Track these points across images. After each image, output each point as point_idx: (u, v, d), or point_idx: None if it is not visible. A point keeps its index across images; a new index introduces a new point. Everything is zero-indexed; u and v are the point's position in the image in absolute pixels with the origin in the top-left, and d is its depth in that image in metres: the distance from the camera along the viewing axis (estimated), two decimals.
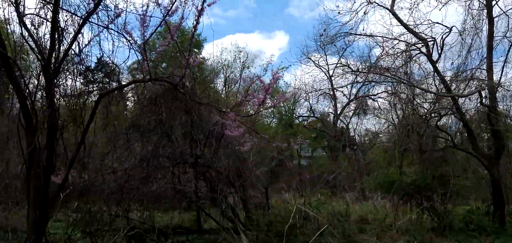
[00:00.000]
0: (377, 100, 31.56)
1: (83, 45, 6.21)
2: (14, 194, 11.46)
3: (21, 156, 10.11)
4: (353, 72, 13.82)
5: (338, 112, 35.34)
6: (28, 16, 5.83)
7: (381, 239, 8.68)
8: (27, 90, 5.75)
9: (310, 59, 33.50)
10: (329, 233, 7.52)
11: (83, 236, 7.05)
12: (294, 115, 38.08)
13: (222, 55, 36.86)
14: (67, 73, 6.48)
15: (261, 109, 6.45)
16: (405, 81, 12.15)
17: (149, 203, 7.96)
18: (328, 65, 33.66)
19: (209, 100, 7.87)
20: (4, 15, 5.45)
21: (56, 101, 6.04)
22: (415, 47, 12.80)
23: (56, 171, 6.30)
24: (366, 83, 13.87)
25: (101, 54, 6.47)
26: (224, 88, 37.76)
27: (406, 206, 12.03)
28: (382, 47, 13.04)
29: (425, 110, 13.08)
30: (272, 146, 11.68)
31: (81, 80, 7.99)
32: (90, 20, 5.97)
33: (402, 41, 13.03)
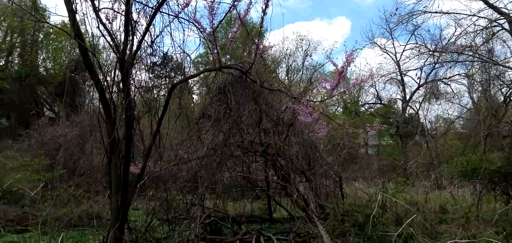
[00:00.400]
0: (449, 84, 29.80)
1: (155, 36, 6.31)
2: (95, 184, 12.20)
3: (100, 148, 10.71)
4: (429, 52, 12.96)
5: (407, 98, 33.72)
6: (103, 10, 6.02)
7: (466, 230, 8.02)
8: (106, 83, 5.95)
9: (376, 43, 32.27)
10: (408, 223, 7.08)
11: (161, 223, 7.26)
12: (360, 102, 36.95)
13: (283, 44, 36.64)
14: (141, 65, 6.62)
15: (334, 94, 6.16)
16: (489, 60, 11.15)
17: (223, 191, 8.02)
18: (395, 49, 32.24)
19: (279, 86, 7.69)
20: (82, 10, 5.63)
21: (131, 93, 6.22)
22: (496, 24, 11.77)
23: (134, 161, 6.50)
24: (442, 63, 12.97)
25: (171, 45, 6.51)
26: (286, 78, 37.55)
27: (489, 195, 11.08)
28: (455, 27, 12.15)
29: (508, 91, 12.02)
30: (341, 133, 11.34)
31: (150, 75, 8.18)
32: (160, 10, 6.05)
33: (482, 17, 12.05)
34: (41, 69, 31.36)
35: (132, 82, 6.19)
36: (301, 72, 38.02)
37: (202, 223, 6.46)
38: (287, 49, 37.54)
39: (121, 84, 6.17)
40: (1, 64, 28.70)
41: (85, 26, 5.90)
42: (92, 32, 5.72)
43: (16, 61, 30.10)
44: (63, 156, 13.16)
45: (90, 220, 8.31)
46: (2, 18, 28.65)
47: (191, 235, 6.06)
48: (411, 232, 6.37)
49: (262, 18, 6.08)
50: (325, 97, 6.85)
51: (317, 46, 58.09)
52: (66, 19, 5.63)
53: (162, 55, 7.21)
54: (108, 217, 8.24)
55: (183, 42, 6.16)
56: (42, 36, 30.91)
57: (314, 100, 6.79)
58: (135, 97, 6.46)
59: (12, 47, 29.43)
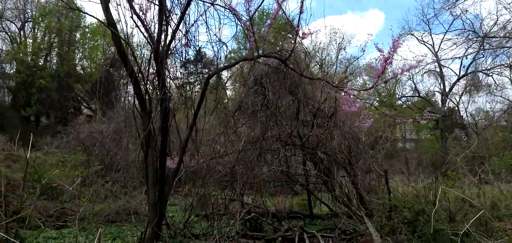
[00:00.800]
0: (491, 75, 28.33)
1: (189, 26, 6.06)
2: (132, 179, 12.21)
3: (136, 144, 10.64)
4: (476, 37, 12.17)
5: (447, 90, 32.29)
6: (136, 0, 5.82)
7: None
8: (140, 75, 5.76)
9: (413, 35, 31.02)
10: (462, 220, 6.54)
11: (199, 219, 7.03)
12: (396, 96, 35.74)
13: (316, 37, 35.89)
14: (175, 56, 6.39)
15: (379, 83, 5.71)
16: None
17: (262, 186, 7.69)
18: (433, 40, 30.89)
19: (321, 75, 7.27)
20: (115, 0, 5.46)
21: (166, 84, 6.00)
22: None
23: (170, 155, 6.30)
24: (490, 49, 12.14)
25: (206, 33, 6.21)
26: (319, 72, 36.78)
27: None
28: (497, 15, 11.34)
29: None
30: (383, 126, 10.79)
31: (183, 72, 7.94)
32: None
33: None
34: (78, 68, 32.18)
35: (167, 73, 5.97)
36: (334, 66, 37.17)
37: (243, 219, 6.17)
38: (320, 43, 36.73)
39: (155, 76, 5.99)
40: (40, 63, 29.58)
41: (119, 16, 5.74)
42: (126, 23, 5.53)
43: (54, 61, 30.98)
44: (99, 152, 13.27)
45: (128, 215, 8.22)
46: (40, 18, 29.54)
47: (231, 231, 5.78)
48: (467, 229, 5.84)
49: (302, 2, 5.73)
50: (369, 85, 6.39)
51: (351, 40, 56.89)
52: (101, 17, 5.46)
53: (195, 51, 6.94)
54: (146, 213, 8.13)
55: (219, 30, 5.86)
56: (78, 36, 31.69)
57: (357, 89, 6.28)
58: (170, 90, 6.24)
59: (50, 46, 30.29)
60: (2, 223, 5.57)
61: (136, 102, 5.90)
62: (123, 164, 12.89)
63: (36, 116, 29.27)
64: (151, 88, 6.47)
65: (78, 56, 32.41)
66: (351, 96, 5.62)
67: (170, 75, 6.11)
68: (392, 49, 5.71)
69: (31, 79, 27.46)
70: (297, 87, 7.64)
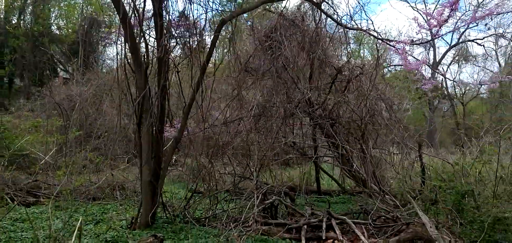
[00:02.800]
0: (483, 45, 27.81)
1: None
2: (113, 148, 10.96)
3: (121, 109, 9.34)
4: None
5: (437, 60, 31.59)
6: None
7: None
8: (136, 13, 4.47)
9: (407, 0, 29.89)
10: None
11: (201, 199, 5.87)
12: (383, 65, 34.80)
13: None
14: None
15: (440, 34, 4.63)
16: None
17: (272, 160, 6.58)
18: (426, 6, 29.79)
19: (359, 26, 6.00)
20: None
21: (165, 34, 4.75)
22: None
23: (170, 122, 5.12)
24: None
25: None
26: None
27: None
28: None
29: None
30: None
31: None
32: None
33: None
34: (53, 28, 30.09)
35: (165, 14, 4.71)
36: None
37: (263, 204, 5.07)
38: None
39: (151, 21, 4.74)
40: (14, 22, 27.49)
41: None
42: None
43: (28, 19, 28.82)
44: (78, 117, 11.94)
45: (112, 191, 7.00)
46: None
47: (249, 218, 4.67)
48: None
49: None
50: (428, 39, 5.28)
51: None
52: None
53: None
54: (135, 189, 6.98)
55: None
56: None
57: (408, 43, 5.13)
58: (170, 40, 4.98)
59: (24, 4, 28.12)
60: None
61: (128, 54, 4.64)
62: (103, 130, 11.61)
63: (9, 77, 27.36)
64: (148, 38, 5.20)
65: (53, 15, 30.22)
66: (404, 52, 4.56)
67: (170, 16, 4.83)
68: None
69: (3, 39, 25.55)
70: (316, 44, 6.47)
